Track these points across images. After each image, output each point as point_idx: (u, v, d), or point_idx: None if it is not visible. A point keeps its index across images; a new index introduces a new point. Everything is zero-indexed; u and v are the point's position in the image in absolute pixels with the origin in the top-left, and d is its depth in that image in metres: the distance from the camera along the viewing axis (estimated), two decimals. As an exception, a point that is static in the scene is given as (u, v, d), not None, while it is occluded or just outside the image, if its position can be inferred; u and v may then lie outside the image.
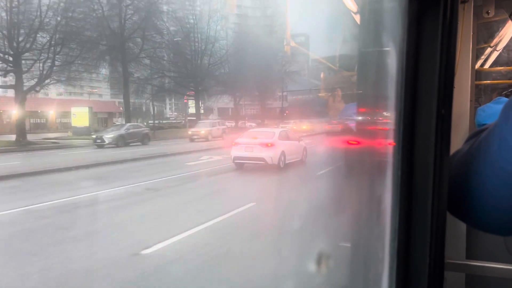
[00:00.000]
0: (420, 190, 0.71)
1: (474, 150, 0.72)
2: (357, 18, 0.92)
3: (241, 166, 15.13)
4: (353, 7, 1.43)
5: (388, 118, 0.76)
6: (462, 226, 1.68)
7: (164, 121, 60.68)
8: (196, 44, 51.28)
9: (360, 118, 0.84)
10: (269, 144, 14.57)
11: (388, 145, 0.76)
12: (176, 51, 48.39)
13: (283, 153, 14.70)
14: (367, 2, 0.86)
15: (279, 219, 9.06)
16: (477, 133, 0.78)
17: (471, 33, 1.97)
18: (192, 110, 55.99)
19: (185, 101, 54.70)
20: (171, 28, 48.34)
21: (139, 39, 42.36)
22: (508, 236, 0.89)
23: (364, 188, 0.80)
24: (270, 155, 14.34)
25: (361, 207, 0.79)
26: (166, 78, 49.10)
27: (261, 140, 14.84)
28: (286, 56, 54.74)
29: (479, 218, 0.73)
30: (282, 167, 14.59)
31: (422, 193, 0.71)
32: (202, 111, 58.12)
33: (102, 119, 51.01)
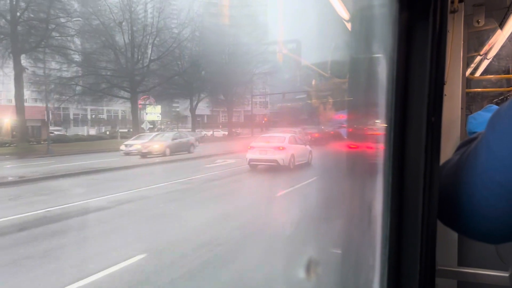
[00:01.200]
0: (411, 196, 0.72)
1: (463, 160, 0.73)
2: (349, 26, 0.93)
3: (255, 167, 17.02)
4: (345, 15, 1.45)
5: (379, 125, 0.76)
6: (454, 233, 1.69)
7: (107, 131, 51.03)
8: (136, 34, 40.63)
9: (351, 125, 0.85)
10: (281, 148, 16.36)
11: (379, 152, 0.77)
12: (105, 43, 37.44)
13: (293, 156, 16.46)
14: (359, 11, 0.87)
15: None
16: (467, 142, 0.79)
17: (462, 42, 1.99)
18: (152, 117, 48.03)
19: (139, 106, 47.24)
20: (89, 10, 36.26)
21: (37, 23, 30.59)
22: (498, 244, 0.90)
23: (355, 195, 0.80)
24: (282, 157, 16.08)
25: (352, 214, 0.79)
26: (93, 77, 37.78)
27: (274, 144, 16.67)
28: (258, 56, 50.30)
29: (469, 227, 0.74)
30: (292, 168, 16.31)
31: (412, 200, 0.71)
32: (158, 118, 49.70)
33: (35, 128, 40.68)
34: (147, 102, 45.27)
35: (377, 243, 0.73)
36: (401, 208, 0.72)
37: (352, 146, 0.87)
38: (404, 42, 0.72)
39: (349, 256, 0.79)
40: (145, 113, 47.57)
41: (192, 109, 49.12)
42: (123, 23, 39.30)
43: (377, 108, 0.76)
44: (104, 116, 62.48)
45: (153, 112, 49.96)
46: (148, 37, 41.54)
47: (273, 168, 16.25)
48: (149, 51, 41.41)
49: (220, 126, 60.21)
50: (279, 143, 16.66)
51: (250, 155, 16.73)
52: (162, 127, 54.86)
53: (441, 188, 0.73)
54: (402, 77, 0.72)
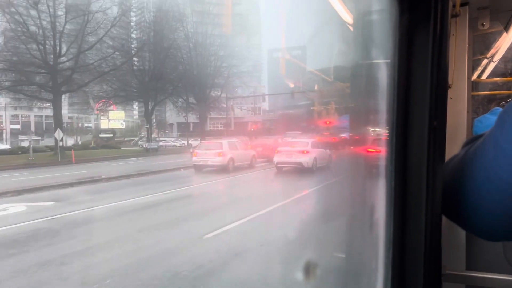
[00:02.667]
0: (414, 200, 0.71)
1: (469, 155, 0.72)
2: (351, 30, 0.93)
3: (281, 169, 18.67)
4: (349, 19, 1.45)
5: (381, 129, 0.77)
6: (462, 236, 1.66)
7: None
8: (59, 19, 30.46)
9: (353, 130, 0.85)
10: (305, 152, 18.05)
11: (381, 156, 0.77)
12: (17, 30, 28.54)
13: (315, 159, 18.00)
14: (360, 16, 0.87)
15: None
16: (474, 139, 0.79)
17: (467, 45, 1.98)
18: (110, 124, 40.54)
19: (96, 112, 40.10)
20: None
21: None
22: (503, 242, 0.89)
23: (358, 199, 0.80)
24: (306, 160, 17.73)
25: (355, 217, 0.79)
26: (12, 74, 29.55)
27: (299, 148, 18.46)
28: (231, 55, 44.12)
29: (473, 222, 0.73)
30: (314, 170, 17.82)
31: (415, 204, 0.71)
32: (121, 126, 43.32)
33: None
34: (105, 107, 39.09)
35: (380, 246, 0.72)
36: (404, 211, 0.72)
37: (355, 150, 0.87)
38: (405, 46, 0.72)
39: (353, 260, 0.79)
40: (107, 120, 41.36)
41: (148, 114, 38.96)
42: (39, 4, 28.81)
43: (379, 112, 0.76)
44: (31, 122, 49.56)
45: (115, 119, 42.91)
46: (79, 22, 31.43)
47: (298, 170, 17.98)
48: (79, 40, 31.43)
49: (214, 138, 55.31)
50: (303, 147, 18.47)
51: (277, 158, 18.56)
52: (143, 134, 47.92)
53: (447, 183, 0.73)
54: (403, 81, 0.72)
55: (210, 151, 20.09)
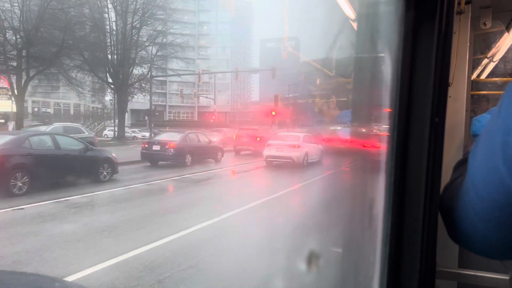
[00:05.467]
0: (412, 196, 0.71)
1: (457, 188, 0.73)
2: (355, 25, 0.92)
3: (271, 163, 17.61)
4: (351, 14, 1.44)
5: (382, 124, 0.76)
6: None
7: None
8: None
9: (354, 123, 0.84)
10: (296, 146, 17.07)
11: (381, 151, 0.76)
12: None
13: (306, 154, 17.20)
14: (365, 10, 0.86)
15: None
16: (463, 161, 0.80)
17: (468, 44, 1.97)
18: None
19: None
20: None
21: None
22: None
23: (356, 194, 0.80)
24: (297, 155, 16.80)
25: (353, 212, 0.78)
26: None
27: (290, 142, 17.40)
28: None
29: (473, 244, 0.74)
30: (305, 165, 16.99)
31: (414, 200, 0.71)
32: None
33: None
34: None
35: (377, 241, 0.72)
36: (402, 208, 0.71)
37: (355, 145, 0.86)
38: (410, 43, 0.71)
39: (350, 254, 0.79)
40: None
41: (20, 91, 25.19)
42: None
43: (381, 107, 0.76)
44: None
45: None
46: None
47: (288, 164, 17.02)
48: None
49: (167, 128, 45.03)
50: (295, 142, 17.44)
51: (267, 151, 17.48)
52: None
53: (445, 208, 0.75)
54: (406, 77, 0.71)
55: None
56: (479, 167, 0.62)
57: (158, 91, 79.32)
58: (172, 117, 77.47)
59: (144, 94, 36.63)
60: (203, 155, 18.39)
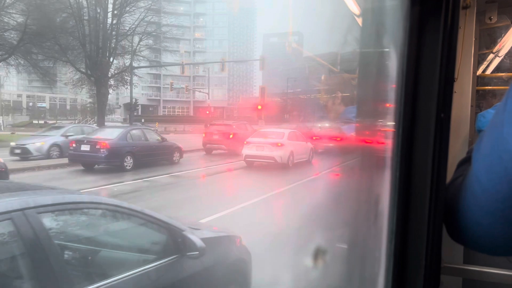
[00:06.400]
0: (418, 192, 0.73)
1: (460, 186, 0.75)
2: (359, 21, 0.94)
3: (251, 164, 15.97)
4: (356, 9, 1.45)
5: (388, 120, 0.78)
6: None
7: None
8: None
9: (360, 119, 0.86)
10: (279, 144, 15.35)
11: (386, 147, 0.78)
12: None
13: (291, 153, 15.52)
14: (370, 5, 0.88)
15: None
16: (467, 159, 0.82)
17: (473, 39, 1.99)
18: None
19: None
20: None
21: None
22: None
23: (362, 190, 0.82)
24: (279, 155, 15.18)
25: (359, 208, 0.80)
26: None
27: (272, 140, 15.66)
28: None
29: (475, 242, 0.76)
30: (290, 166, 15.38)
31: (419, 196, 0.73)
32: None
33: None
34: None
35: (383, 237, 0.74)
36: (407, 203, 0.73)
37: (358, 141, 0.88)
38: (415, 37, 0.73)
39: (355, 250, 0.81)
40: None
41: None
42: None
43: (386, 103, 0.78)
44: None
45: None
46: None
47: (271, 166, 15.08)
48: None
49: (157, 124, 42.54)
50: (277, 139, 15.65)
51: (246, 150, 15.70)
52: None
53: (447, 208, 0.76)
54: (412, 72, 0.73)
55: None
56: (483, 160, 0.64)
57: (152, 85, 78.88)
58: (166, 112, 76.81)
59: (126, 87, 34.07)
60: (153, 156, 15.50)
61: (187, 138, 25.94)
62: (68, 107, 54.11)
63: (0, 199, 2.17)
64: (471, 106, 2.01)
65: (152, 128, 19.15)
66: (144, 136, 15.73)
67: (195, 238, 2.84)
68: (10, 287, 1.93)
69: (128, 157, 14.22)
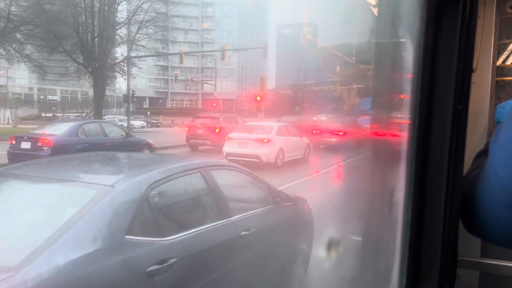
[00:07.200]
0: (434, 184, 0.74)
1: (477, 178, 0.76)
2: (375, 10, 0.94)
3: (236, 163, 13.87)
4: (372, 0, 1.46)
5: (403, 112, 0.79)
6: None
7: None
8: None
9: (375, 111, 0.87)
10: (265, 140, 13.36)
11: (402, 139, 0.79)
12: None
13: (281, 150, 13.63)
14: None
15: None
16: (484, 151, 0.82)
17: (493, 28, 1.98)
18: None
19: None
20: None
21: None
22: None
23: (377, 182, 0.83)
24: (266, 152, 13.21)
25: (373, 200, 0.82)
26: None
27: (257, 135, 13.73)
28: None
29: (493, 236, 0.77)
30: (280, 165, 13.46)
31: (435, 188, 0.74)
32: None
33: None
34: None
35: (398, 229, 0.76)
36: (423, 195, 0.74)
37: (374, 133, 0.89)
38: (432, 27, 0.73)
39: (369, 242, 0.82)
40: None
41: None
42: None
43: (402, 94, 0.78)
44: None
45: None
46: None
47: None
48: None
49: (161, 117, 43.96)
50: (263, 135, 13.65)
51: (227, 148, 13.97)
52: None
53: (463, 200, 0.77)
54: (428, 63, 0.74)
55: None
56: (500, 152, 0.65)
57: (159, 77, 79.16)
58: (174, 105, 76.92)
59: (125, 78, 33.18)
60: None
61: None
62: (80, 99, 54.89)
63: (188, 162, 3.93)
64: (490, 97, 2.00)
65: (118, 122, 16.45)
66: (102, 131, 13.71)
67: (289, 192, 4.66)
68: (202, 211, 3.35)
69: (80, 156, 12.39)
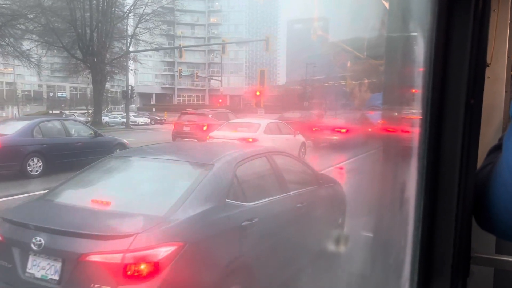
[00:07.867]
0: (446, 180, 0.75)
1: (490, 173, 0.77)
2: (386, 4, 0.95)
3: None
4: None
5: (415, 106, 0.79)
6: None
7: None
8: None
9: (387, 106, 0.88)
10: (251, 140, 12.08)
11: (413, 134, 0.80)
12: None
13: None
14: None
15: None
16: (497, 147, 0.82)
17: (509, 22, 1.96)
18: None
19: None
20: None
21: None
22: None
23: (388, 177, 0.84)
24: None
25: (385, 195, 0.83)
26: None
27: (241, 134, 12.46)
28: None
29: (506, 232, 0.78)
30: None
31: (448, 184, 0.74)
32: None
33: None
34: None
35: (409, 224, 0.76)
36: (435, 191, 0.75)
37: (386, 129, 0.90)
38: (444, 21, 0.74)
39: (380, 237, 0.83)
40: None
41: None
42: None
43: (413, 89, 0.79)
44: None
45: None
46: None
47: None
48: None
49: (166, 114, 42.87)
50: (249, 133, 12.45)
51: None
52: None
53: (476, 196, 0.78)
54: (440, 58, 0.74)
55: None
56: None
57: (165, 73, 79.35)
58: (181, 101, 76.92)
59: (131, 73, 34.10)
60: (78, 156, 11.37)
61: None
62: (89, 96, 55.47)
63: (256, 148, 5.87)
64: (506, 92, 1.98)
65: (84, 120, 15.47)
66: (65, 130, 12.08)
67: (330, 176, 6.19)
68: (271, 186, 4.20)
69: (35, 159, 10.74)
